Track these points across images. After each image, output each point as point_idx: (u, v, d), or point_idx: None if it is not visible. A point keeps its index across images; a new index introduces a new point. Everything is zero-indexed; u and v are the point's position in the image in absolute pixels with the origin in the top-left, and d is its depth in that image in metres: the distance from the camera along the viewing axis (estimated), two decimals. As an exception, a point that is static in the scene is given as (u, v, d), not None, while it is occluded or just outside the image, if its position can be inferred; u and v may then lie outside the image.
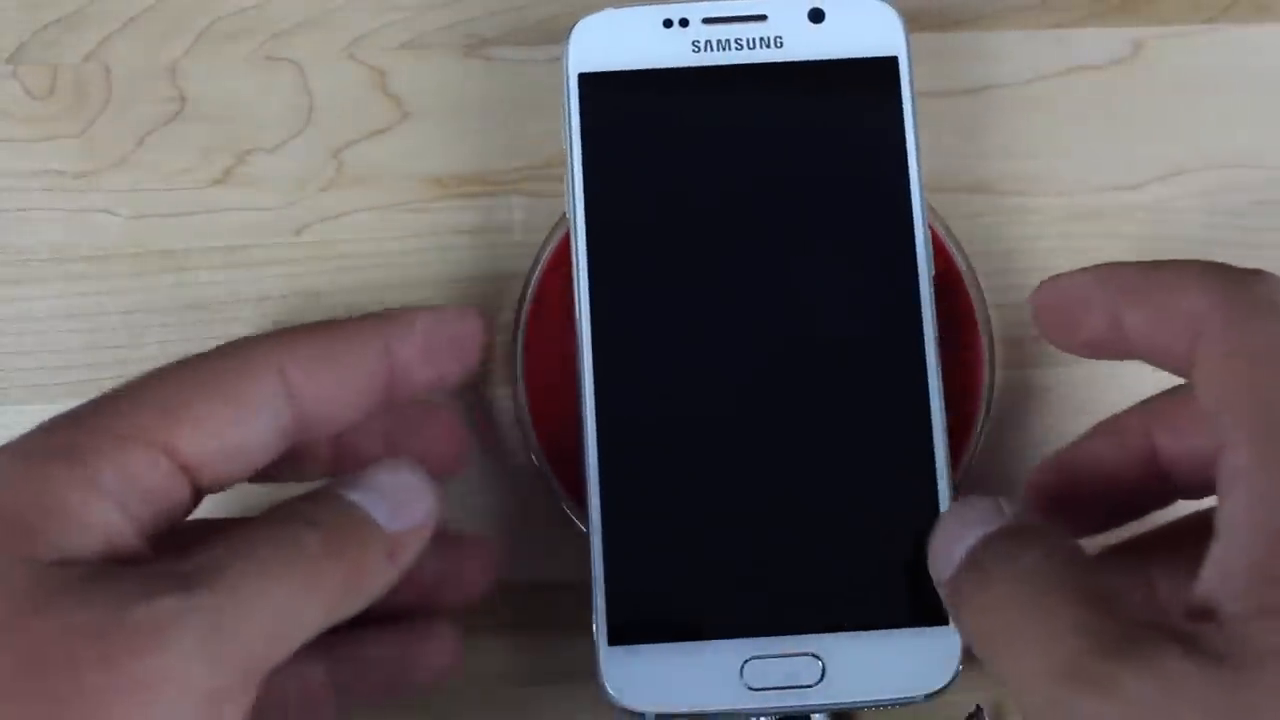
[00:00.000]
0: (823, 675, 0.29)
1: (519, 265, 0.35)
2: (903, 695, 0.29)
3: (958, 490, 0.31)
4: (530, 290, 0.34)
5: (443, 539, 0.28)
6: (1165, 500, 0.29)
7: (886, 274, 0.31)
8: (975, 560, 0.26)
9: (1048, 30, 0.36)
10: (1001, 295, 0.35)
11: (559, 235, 0.34)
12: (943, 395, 0.30)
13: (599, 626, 0.29)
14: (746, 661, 0.29)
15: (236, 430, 0.26)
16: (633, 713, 0.29)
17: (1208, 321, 0.25)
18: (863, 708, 0.30)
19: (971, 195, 0.36)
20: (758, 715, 0.30)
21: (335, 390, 0.27)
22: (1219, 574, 0.23)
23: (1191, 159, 0.36)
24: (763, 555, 0.30)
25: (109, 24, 0.36)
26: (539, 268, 0.34)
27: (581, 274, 0.31)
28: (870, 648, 0.29)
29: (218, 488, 0.27)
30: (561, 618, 0.34)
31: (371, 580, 0.26)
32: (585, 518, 0.30)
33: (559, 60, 0.33)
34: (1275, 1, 0.36)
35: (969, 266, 0.34)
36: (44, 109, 0.36)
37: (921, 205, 0.31)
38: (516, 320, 0.34)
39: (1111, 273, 0.27)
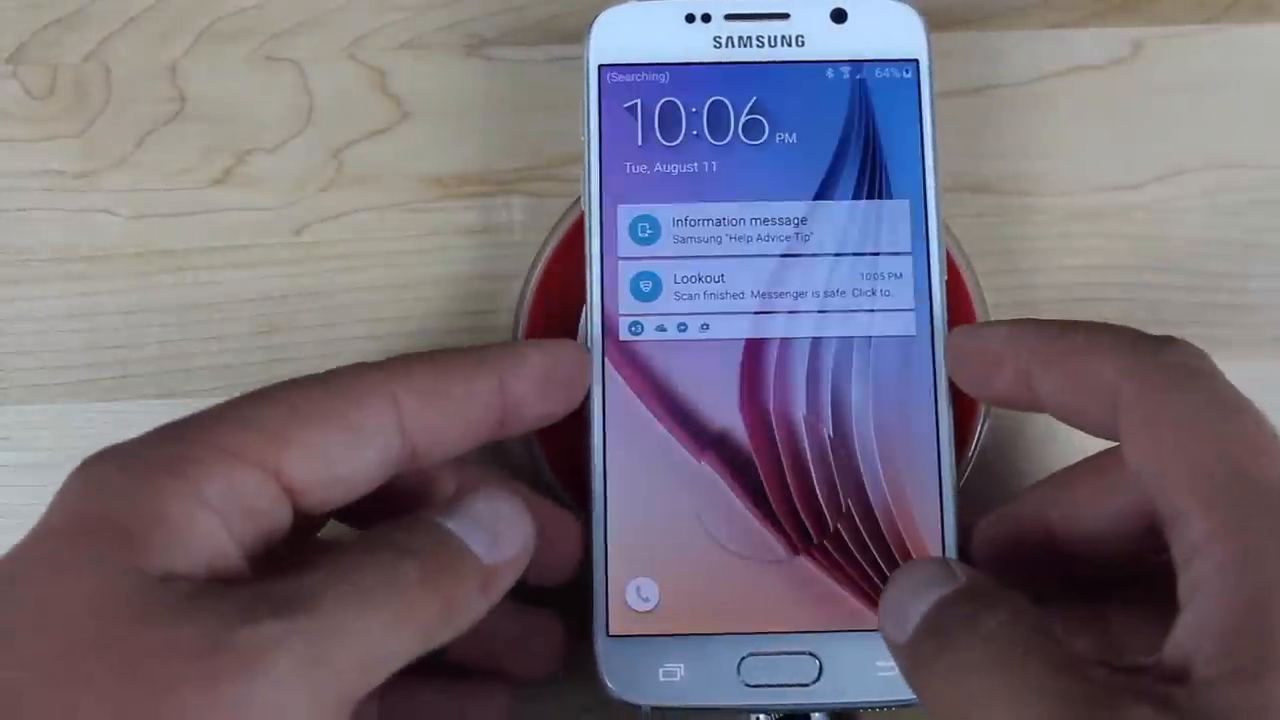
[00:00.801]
0: (820, 674, 0.29)
1: (519, 265, 0.35)
2: (899, 697, 0.29)
3: (958, 490, 0.31)
4: (530, 290, 0.34)
5: (516, 604, 0.27)
6: (1070, 573, 0.29)
7: (899, 274, 0.31)
8: (934, 625, 0.25)
9: (1049, 30, 0.36)
10: (1001, 295, 0.35)
11: (559, 235, 0.34)
12: (949, 398, 0.30)
13: (598, 620, 0.29)
14: (744, 658, 0.29)
15: (346, 457, 0.26)
16: (631, 705, 0.29)
17: (1122, 392, 0.25)
18: (859, 708, 0.30)
19: (972, 195, 0.36)
20: (754, 712, 0.30)
21: (447, 422, 0.27)
22: (1191, 638, 0.23)
23: (1191, 159, 0.36)
24: (763, 552, 0.30)
25: (109, 24, 0.36)
26: (539, 268, 0.34)
27: (595, 265, 0.31)
28: (868, 649, 0.29)
29: (319, 513, 0.27)
30: (561, 617, 0.34)
31: (465, 612, 0.25)
32: (585, 515, 0.30)
33: (559, 60, 0.33)
34: (1275, 1, 0.36)
35: (969, 266, 0.34)
36: (44, 109, 0.36)
37: (937, 207, 0.31)
38: (516, 320, 0.34)
39: (1024, 331, 0.28)
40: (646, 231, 0.31)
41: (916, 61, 0.32)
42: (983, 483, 0.34)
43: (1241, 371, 0.35)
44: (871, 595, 0.29)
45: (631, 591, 0.30)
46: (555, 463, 0.33)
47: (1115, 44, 0.36)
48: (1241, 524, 0.23)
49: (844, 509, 0.30)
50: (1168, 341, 0.26)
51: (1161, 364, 0.25)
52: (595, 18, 0.32)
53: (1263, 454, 0.24)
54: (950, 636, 0.24)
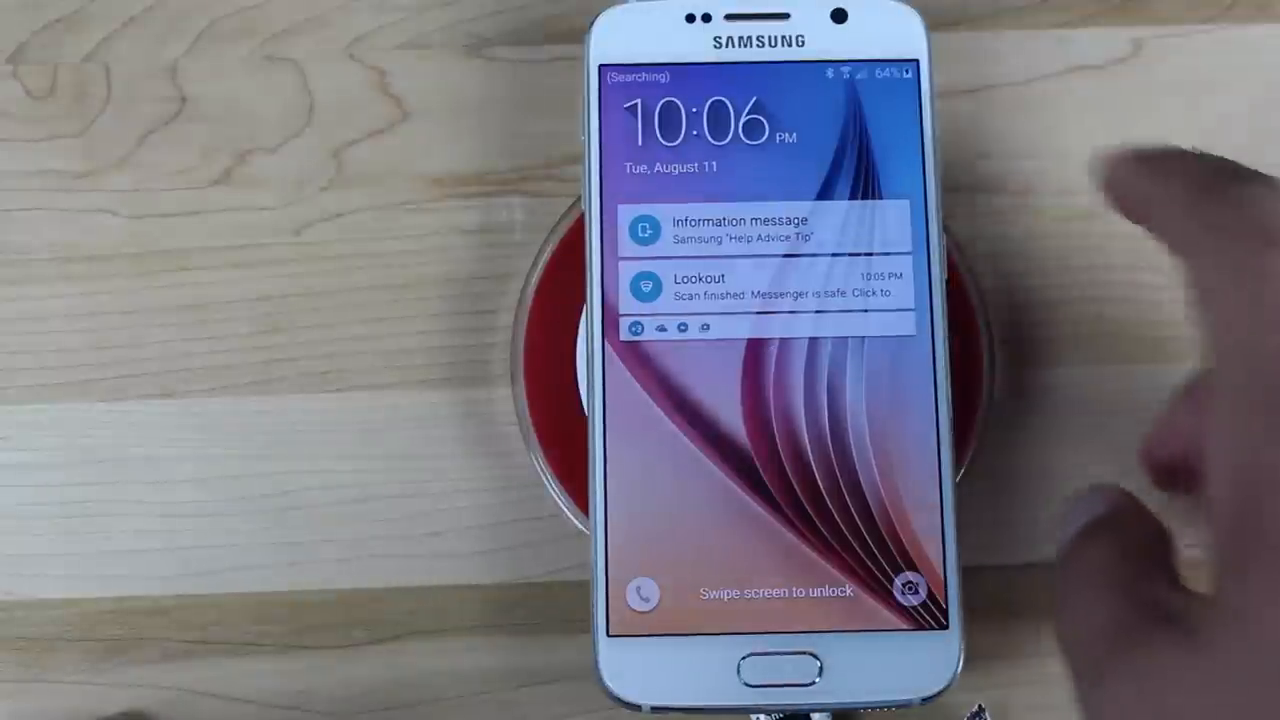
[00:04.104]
0: (820, 674, 0.29)
1: (519, 265, 0.35)
2: (899, 698, 0.29)
3: (958, 490, 0.31)
4: (530, 290, 0.34)
5: None
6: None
7: (899, 274, 0.31)
8: (1070, 544, 0.27)
9: (1048, 30, 0.36)
10: (1001, 295, 0.35)
11: (559, 235, 0.34)
12: (950, 397, 0.30)
13: (598, 620, 0.29)
14: (744, 657, 0.29)
15: None
16: (630, 706, 0.29)
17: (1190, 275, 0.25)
18: (859, 709, 0.30)
19: (972, 195, 0.36)
20: (754, 712, 0.30)
21: None
22: (1208, 538, 0.23)
23: (1191, 159, 0.36)
24: (763, 552, 0.30)
25: (109, 24, 0.36)
26: (539, 268, 0.34)
27: (595, 265, 0.31)
28: (869, 649, 0.29)
29: None
30: (561, 617, 0.34)
31: None
32: (585, 516, 0.30)
33: (559, 60, 0.33)
34: (1275, 1, 0.36)
35: (969, 266, 0.34)
36: (44, 109, 0.36)
37: (938, 207, 0.31)
38: (516, 320, 0.34)
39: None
40: (647, 231, 0.31)
41: (916, 61, 0.32)
42: (983, 483, 0.34)
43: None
44: (873, 595, 0.29)
45: (631, 591, 0.30)
46: (556, 463, 0.33)
47: (1115, 44, 0.36)
48: (1244, 411, 0.22)
49: (845, 509, 0.30)
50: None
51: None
52: (595, 18, 0.32)
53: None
54: (1069, 556, 0.27)
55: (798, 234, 0.31)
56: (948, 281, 0.31)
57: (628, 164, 0.31)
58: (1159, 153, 0.27)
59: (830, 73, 0.32)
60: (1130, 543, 0.26)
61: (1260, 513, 0.22)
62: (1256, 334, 0.23)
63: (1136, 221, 0.27)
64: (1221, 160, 0.26)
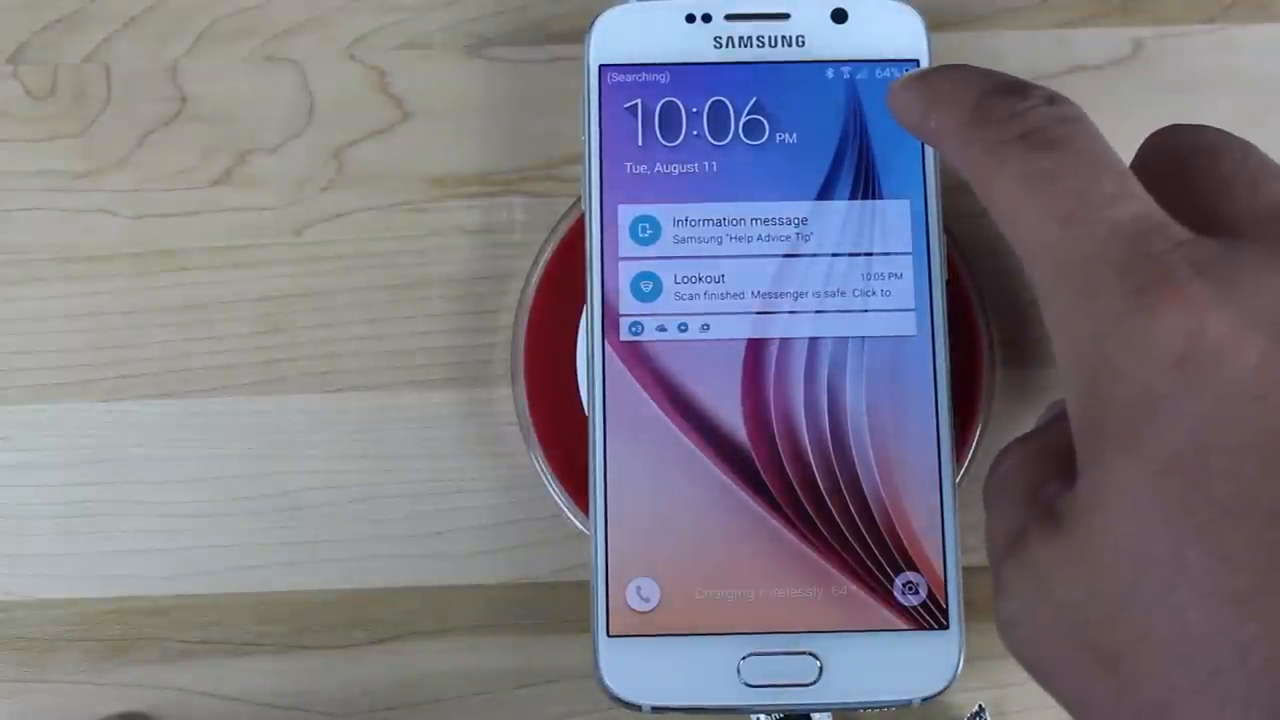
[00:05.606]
0: (820, 674, 0.29)
1: (519, 265, 0.35)
2: (900, 698, 0.29)
3: (958, 490, 0.31)
4: (530, 290, 0.34)
5: None
6: None
7: (899, 274, 0.31)
8: (990, 467, 0.27)
9: (1048, 30, 0.36)
10: (1001, 295, 0.35)
11: (559, 235, 0.34)
12: (950, 397, 0.30)
13: (598, 620, 0.29)
14: (744, 658, 0.29)
15: None
16: (630, 706, 0.29)
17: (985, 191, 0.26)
18: (859, 709, 0.30)
19: (971, 195, 0.35)
20: (754, 712, 0.30)
21: None
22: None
23: (1192, 159, 0.36)
24: (763, 552, 0.30)
25: (109, 24, 0.36)
26: (539, 268, 0.34)
27: (595, 265, 0.31)
28: (869, 649, 0.29)
29: None
30: (561, 617, 0.34)
31: None
32: (585, 516, 0.30)
33: (559, 60, 0.33)
34: (1275, 1, 0.36)
35: (969, 266, 0.34)
36: (44, 109, 0.36)
37: (938, 207, 0.31)
38: (516, 320, 0.34)
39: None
40: (647, 231, 0.31)
41: (917, 62, 0.32)
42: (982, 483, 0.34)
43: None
44: (873, 595, 0.30)
45: (631, 591, 0.30)
46: (556, 463, 0.33)
47: (1115, 44, 0.36)
48: (1075, 305, 0.23)
49: (845, 509, 0.30)
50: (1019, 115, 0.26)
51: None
52: (595, 18, 0.32)
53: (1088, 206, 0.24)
54: (984, 484, 0.27)
55: (798, 234, 0.31)
56: (948, 281, 0.31)
57: (628, 164, 0.31)
58: (933, 80, 0.27)
59: (830, 73, 0.32)
60: (1035, 450, 0.26)
61: (1100, 408, 0.23)
62: (1064, 246, 0.24)
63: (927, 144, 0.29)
64: (986, 80, 0.27)
